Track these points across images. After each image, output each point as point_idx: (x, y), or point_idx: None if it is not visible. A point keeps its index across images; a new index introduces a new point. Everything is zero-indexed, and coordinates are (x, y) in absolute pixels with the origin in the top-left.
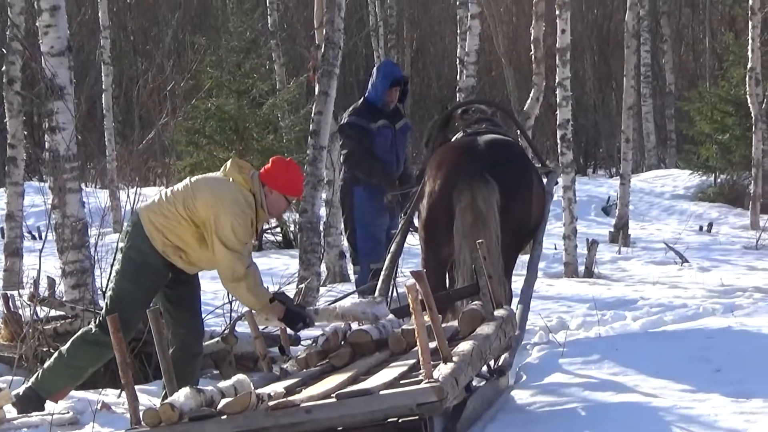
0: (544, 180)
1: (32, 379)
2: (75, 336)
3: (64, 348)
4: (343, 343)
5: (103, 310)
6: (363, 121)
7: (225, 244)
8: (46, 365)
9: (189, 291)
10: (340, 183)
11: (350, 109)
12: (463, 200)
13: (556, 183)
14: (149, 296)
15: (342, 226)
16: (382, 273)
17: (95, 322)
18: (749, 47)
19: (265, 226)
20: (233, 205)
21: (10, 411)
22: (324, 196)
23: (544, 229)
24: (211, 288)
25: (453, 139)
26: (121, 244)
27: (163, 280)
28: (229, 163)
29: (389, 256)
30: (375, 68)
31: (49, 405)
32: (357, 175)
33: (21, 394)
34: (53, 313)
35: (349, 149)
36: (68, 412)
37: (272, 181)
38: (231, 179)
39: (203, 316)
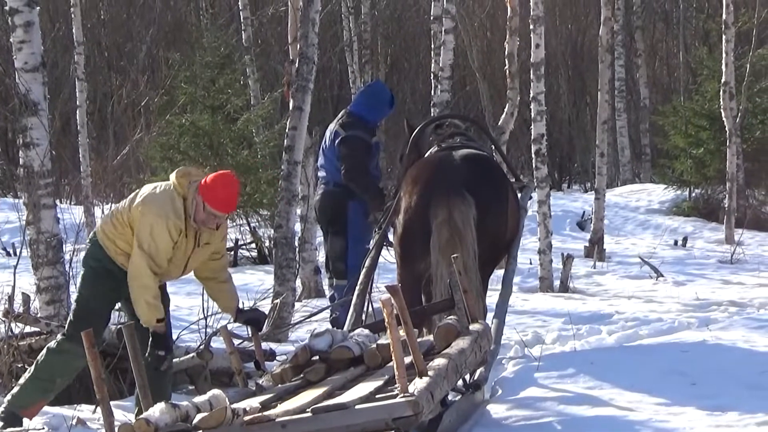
0: (518, 195)
1: (7, 397)
2: (43, 350)
3: (33, 363)
4: (317, 358)
5: (68, 320)
6: (367, 136)
7: (141, 245)
8: (18, 383)
9: None
10: (317, 197)
11: (342, 121)
12: (440, 216)
13: (530, 198)
14: (108, 302)
15: (318, 240)
16: (357, 287)
17: (61, 333)
18: (723, 61)
19: (240, 242)
20: (159, 207)
21: None
22: (299, 211)
23: (518, 244)
24: (187, 303)
25: (427, 154)
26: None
27: (122, 286)
28: (180, 168)
29: (364, 270)
30: (371, 89)
31: (25, 422)
32: (352, 189)
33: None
34: (28, 329)
35: (352, 162)
36: (43, 428)
37: (203, 191)
38: (170, 183)
39: (179, 331)
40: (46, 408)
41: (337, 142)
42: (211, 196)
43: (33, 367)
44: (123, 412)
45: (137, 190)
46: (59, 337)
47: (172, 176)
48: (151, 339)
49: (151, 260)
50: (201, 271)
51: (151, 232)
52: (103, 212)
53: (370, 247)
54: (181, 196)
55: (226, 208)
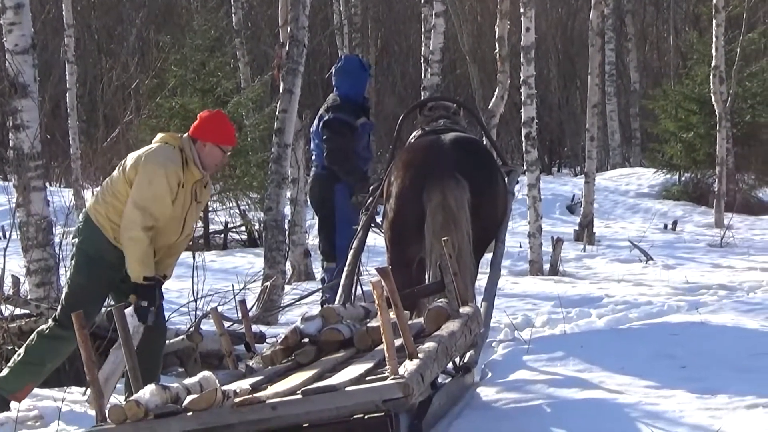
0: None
1: None
2: (33, 333)
3: (23, 347)
4: (307, 340)
5: (59, 305)
6: (350, 118)
7: (134, 198)
8: (7, 366)
9: None
10: (308, 179)
11: (328, 105)
12: (434, 200)
13: (517, 182)
14: (103, 289)
15: (308, 223)
16: (345, 269)
17: (52, 318)
18: (713, 45)
19: (230, 225)
20: (158, 158)
21: None
22: (289, 194)
23: (506, 228)
24: (176, 286)
25: (411, 137)
26: (74, 240)
27: (116, 273)
28: (160, 134)
29: (351, 252)
30: (340, 66)
31: (14, 405)
32: (336, 172)
33: None
34: (18, 311)
35: (336, 145)
36: (33, 410)
37: (202, 133)
38: (158, 142)
39: (169, 314)
40: (35, 390)
41: (320, 125)
42: (215, 134)
43: (23, 351)
44: (114, 395)
45: (123, 161)
46: (50, 322)
47: (158, 137)
48: (136, 289)
49: (145, 213)
50: None
51: (150, 182)
52: (93, 195)
53: (358, 229)
54: (177, 148)
55: (231, 139)
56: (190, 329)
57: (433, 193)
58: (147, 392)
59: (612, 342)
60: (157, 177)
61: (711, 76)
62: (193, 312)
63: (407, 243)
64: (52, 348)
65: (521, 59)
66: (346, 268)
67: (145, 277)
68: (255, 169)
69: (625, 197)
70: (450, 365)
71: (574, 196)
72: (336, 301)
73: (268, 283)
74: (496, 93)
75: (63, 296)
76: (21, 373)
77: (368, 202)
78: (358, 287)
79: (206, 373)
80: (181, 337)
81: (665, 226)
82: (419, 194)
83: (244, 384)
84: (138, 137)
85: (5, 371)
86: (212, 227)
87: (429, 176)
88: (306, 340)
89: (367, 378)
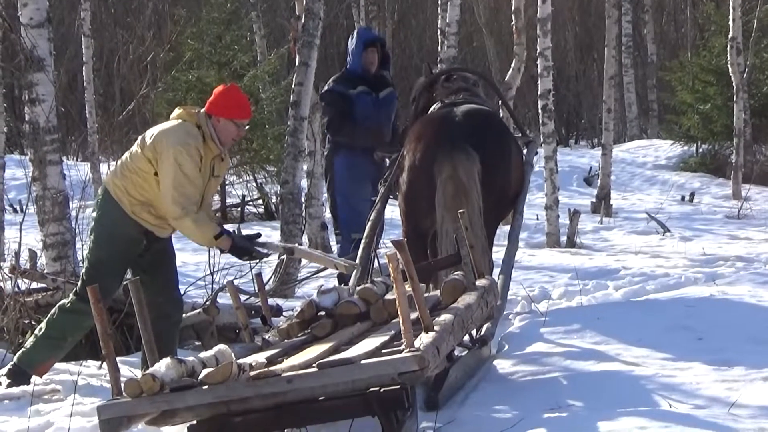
0: (524, 150)
1: (17, 355)
2: (54, 308)
3: (43, 322)
4: (323, 313)
5: (80, 280)
6: (342, 87)
7: (166, 181)
8: (28, 340)
9: (164, 259)
10: (324, 153)
11: (331, 78)
12: (444, 172)
13: (536, 153)
14: (123, 264)
15: (324, 196)
16: (362, 241)
17: (73, 292)
18: (730, 17)
19: (247, 198)
20: (177, 137)
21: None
22: (305, 167)
23: (524, 200)
24: (193, 260)
25: (431, 110)
26: (93, 215)
27: (136, 247)
28: (178, 108)
29: (369, 224)
30: (350, 38)
31: (35, 379)
32: (340, 141)
33: (7, 371)
34: (35, 285)
35: (330, 116)
36: (49, 383)
37: (216, 108)
38: (176, 119)
39: (186, 287)
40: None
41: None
42: (228, 109)
43: (44, 325)
44: (129, 368)
45: (142, 136)
46: (71, 296)
47: (175, 113)
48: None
49: (187, 197)
50: None
51: (180, 166)
52: (109, 168)
53: (376, 201)
54: (194, 125)
55: (245, 113)
56: (207, 303)
57: (444, 165)
58: (163, 366)
59: (629, 314)
60: (183, 159)
61: (728, 48)
62: (210, 285)
63: (421, 215)
64: (73, 322)
65: (538, 31)
66: (363, 240)
67: (216, 236)
68: (272, 142)
69: (643, 169)
70: (466, 338)
71: (591, 168)
72: (353, 276)
73: (284, 256)
74: (512, 65)
75: (83, 270)
76: (42, 347)
77: (387, 174)
78: (375, 259)
79: (222, 346)
80: (198, 310)
81: (682, 198)
82: (430, 167)
83: (260, 357)
84: (154, 110)
85: (27, 346)
86: (229, 200)
87: (440, 149)
88: (322, 313)
89: (383, 351)
